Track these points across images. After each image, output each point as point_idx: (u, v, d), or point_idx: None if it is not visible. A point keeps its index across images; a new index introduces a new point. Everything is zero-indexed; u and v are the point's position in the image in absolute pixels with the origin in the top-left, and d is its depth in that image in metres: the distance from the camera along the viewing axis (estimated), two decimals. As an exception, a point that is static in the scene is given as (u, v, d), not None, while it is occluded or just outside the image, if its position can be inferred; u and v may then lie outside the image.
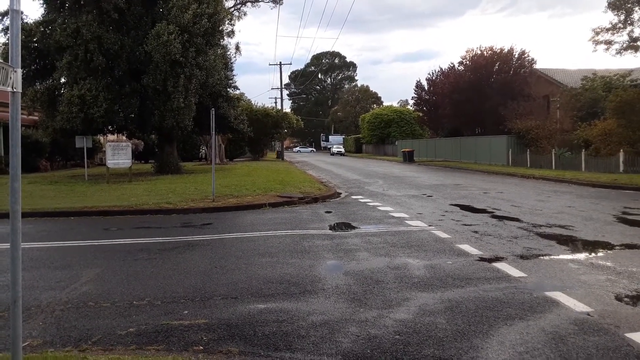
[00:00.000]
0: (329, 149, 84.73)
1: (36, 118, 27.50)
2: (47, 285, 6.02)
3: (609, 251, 7.50)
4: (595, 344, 4.03)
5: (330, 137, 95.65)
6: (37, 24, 23.79)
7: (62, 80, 23.98)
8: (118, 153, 21.17)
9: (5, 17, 23.39)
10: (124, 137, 31.43)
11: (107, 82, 22.85)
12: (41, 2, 23.86)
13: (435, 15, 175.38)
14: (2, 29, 23.63)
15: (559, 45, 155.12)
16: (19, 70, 3.19)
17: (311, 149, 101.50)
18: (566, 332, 4.27)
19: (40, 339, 4.35)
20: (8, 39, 3.23)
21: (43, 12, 24.37)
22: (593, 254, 7.35)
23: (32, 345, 4.20)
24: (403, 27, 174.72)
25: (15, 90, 3.17)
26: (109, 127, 25.52)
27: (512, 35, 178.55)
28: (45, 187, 18.35)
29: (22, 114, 3.38)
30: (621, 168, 22.30)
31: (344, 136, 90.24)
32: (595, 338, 4.15)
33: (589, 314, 4.70)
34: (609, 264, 6.65)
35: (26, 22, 23.79)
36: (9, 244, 3.23)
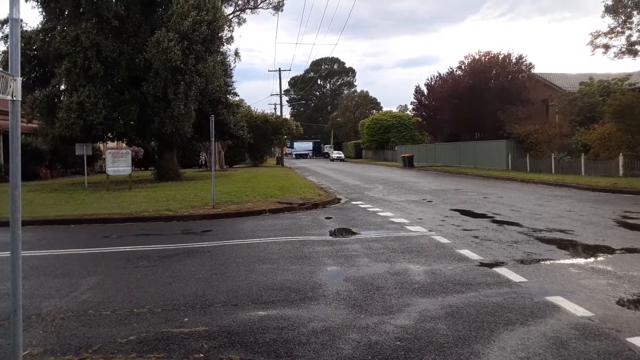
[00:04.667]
0: (303, 156, 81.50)
1: (36, 126, 27.53)
2: (48, 294, 6.01)
3: (609, 255, 7.49)
4: (596, 348, 4.02)
5: (295, 143, 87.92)
6: (37, 32, 23.84)
7: (62, 87, 24.03)
8: (118, 160, 21.17)
9: (5, 26, 23.46)
10: (124, 145, 31.45)
11: (107, 89, 22.89)
12: (40, 10, 23.94)
13: (436, 21, 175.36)
14: (2, 37, 23.70)
15: (560, 49, 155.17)
16: (19, 79, 3.20)
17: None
18: (567, 337, 4.26)
19: (40, 347, 4.33)
20: (8, 47, 3.24)
21: (42, 19, 24.45)
22: (593, 259, 7.34)
23: (32, 354, 4.18)
24: (404, 32, 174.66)
25: (15, 98, 3.18)
26: (109, 134, 25.54)
27: (513, 40, 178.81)
28: (45, 195, 18.34)
29: (21, 122, 3.38)
30: (621, 172, 22.31)
31: (313, 142, 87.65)
32: (596, 343, 4.14)
33: (590, 319, 4.69)
34: (609, 268, 6.64)
35: (25, 30, 23.85)
36: (9, 252, 3.22)
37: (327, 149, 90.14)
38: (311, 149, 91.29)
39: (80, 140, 22.70)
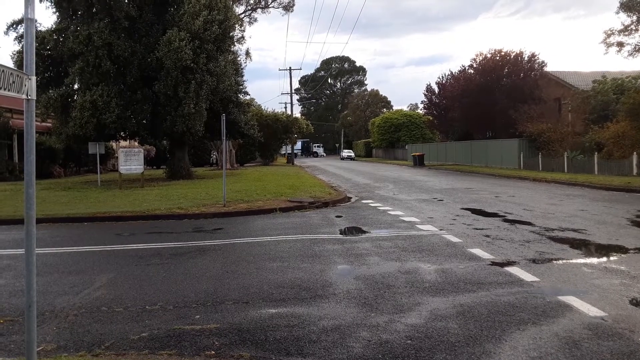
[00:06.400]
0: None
1: (50, 125, 27.83)
2: (61, 290, 6.08)
3: (622, 255, 7.42)
4: (609, 348, 3.99)
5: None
6: (50, 32, 24.10)
7: (75, 86, 24.27)
8: (130, 159, 21.31)
9: (20, 26, 23.72)
10: (136, 143, 31.67)
11: (119, 88, 23.07)
12: (54, 10, 24.18)
13: (449, 19, 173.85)
14: (17, 37, 23.97)
15: (573, 47, 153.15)
16: (34, 78, 3.23)
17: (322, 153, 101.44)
18: (580, 337, 4.22)
19: (54, 343, 4.39)
20: (22, 47, 3.27)
21: (56, 19, 24.71)
22: (606, 258, 7.27)
23: (46, 349, 4.24)
24: (417, 31, 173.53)
25: (29, 97, 3.21)
26: (121, 133, 25.74)
27: (526, 38, 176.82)
28: (58, 193, 18.53)
29: (36, 120, 3.42)
30: (635, 171, 22.05)
31: (302, 141, 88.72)
32: (609, 343, 4.10)
33: (603, 319, 4.65)
34: (623, 267, 6.58)
35: (39, 30, 24.10)
36: (23, 250, 3.27)
37: (315, 148, 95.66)
38: (300, 148, 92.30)
39: (94, 139, 22.91)
